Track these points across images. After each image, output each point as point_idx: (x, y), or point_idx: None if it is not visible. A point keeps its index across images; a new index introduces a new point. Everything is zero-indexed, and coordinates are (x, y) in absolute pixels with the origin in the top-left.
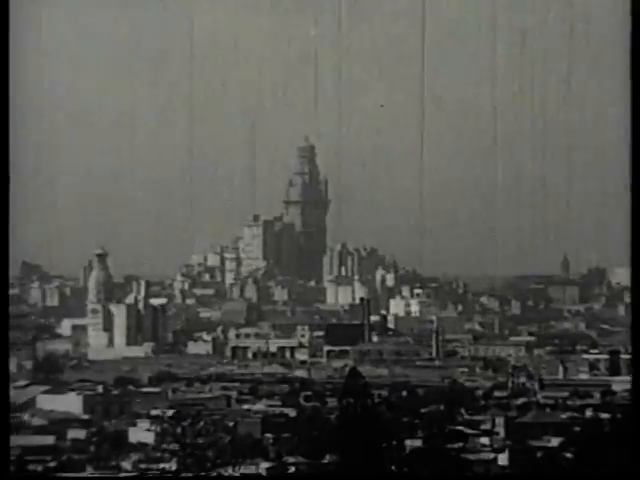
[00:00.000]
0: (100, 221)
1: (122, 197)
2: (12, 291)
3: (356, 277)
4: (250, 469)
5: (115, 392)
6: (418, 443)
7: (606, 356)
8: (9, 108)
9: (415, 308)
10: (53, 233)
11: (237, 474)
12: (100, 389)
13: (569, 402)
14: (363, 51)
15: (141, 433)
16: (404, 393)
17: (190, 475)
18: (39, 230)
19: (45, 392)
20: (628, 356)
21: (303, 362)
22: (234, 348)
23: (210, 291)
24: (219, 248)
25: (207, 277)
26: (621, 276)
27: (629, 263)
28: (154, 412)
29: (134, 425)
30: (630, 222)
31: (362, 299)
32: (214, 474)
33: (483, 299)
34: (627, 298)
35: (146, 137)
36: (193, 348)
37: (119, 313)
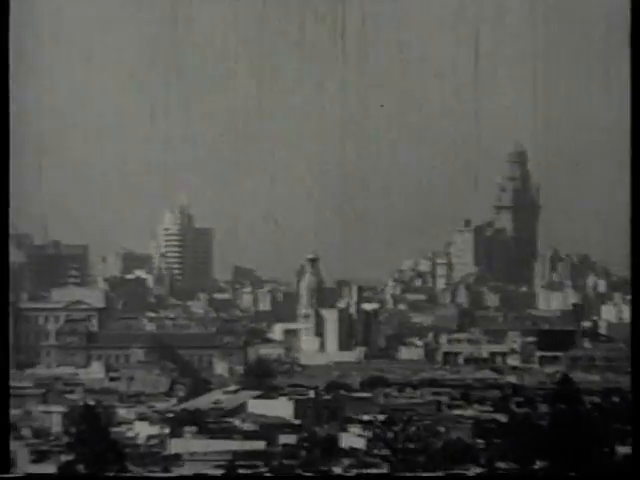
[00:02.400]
0: (311, 226)
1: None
2: (224, 295)
3: (568, 283)
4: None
5: (326, 397)
6: (628, 450)
7: None
8: (9, 108)
9: (627, 314)
10: (267, 237)
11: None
12: (311, 394)
13: None
14: None
15: (352, 438)
16: (616, 399)
17: (191, 475)
18: (251, 234)
19: (256, 397)
20: None
21: (514, 368)
22: (446, 353)
23: (422, 296)
24: (430, 253)
25: (419, 282)
26: None
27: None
28: (365, 417)
29: (345, 430)
30: (630, 222)
31: (575, 305)
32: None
33: None
34: None
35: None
36: (405, 353)
37: (331, 318)
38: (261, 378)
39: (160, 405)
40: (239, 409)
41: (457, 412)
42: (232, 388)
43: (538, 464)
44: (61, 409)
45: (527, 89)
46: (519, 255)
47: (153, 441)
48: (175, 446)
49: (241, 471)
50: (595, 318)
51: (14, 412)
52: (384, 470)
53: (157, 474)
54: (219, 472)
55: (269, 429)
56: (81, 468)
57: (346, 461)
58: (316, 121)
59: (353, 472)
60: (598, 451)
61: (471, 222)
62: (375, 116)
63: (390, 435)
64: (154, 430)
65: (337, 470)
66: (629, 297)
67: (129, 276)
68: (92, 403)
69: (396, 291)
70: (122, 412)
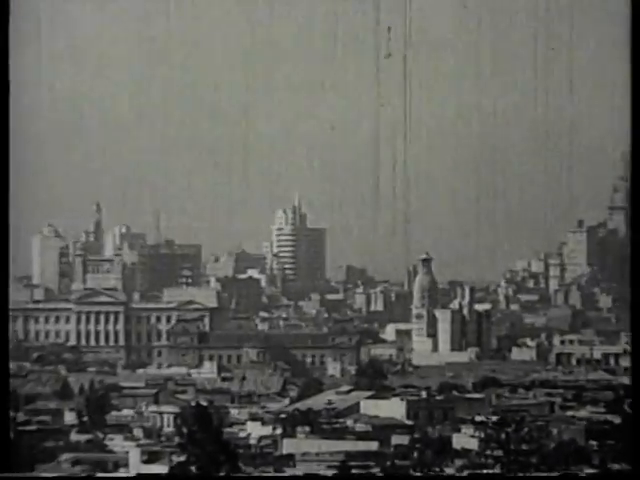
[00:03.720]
0: (424, 227)
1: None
2: (336, 296)
3: None
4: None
5: (439, 398)
6: None
7: None
8: (9, 108)
9: None
10: (376, 237)
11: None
12: (424, 395)
13: None
14: None
15: (465, 439)
16: None
17: (192, 475)
18: (361, 233)
19: (369, 397)
20: None
21: (627, 369)
22: (558, 354)
23: (534, 297)
24: (543, 254)
25: (531, 283)
26: None
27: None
28: (478, 418)
29: (458, 431)
30: (630, 222)
31: None
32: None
33: None
34: None
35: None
36: (517, 354)
37: (444, 318)
38: (373, 378)
39: (272, 405)
40: (351, 409)
41: (570, 413)
42: (344, 388)
43: None
44: (173, 409)
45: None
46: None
47: (265, 442)
48: (287, 446)
49: (354, 472)
50: None
51: (126, 412)
52: (496, 471)
53: (269, 474)
54: (331, 473)
55: (382, 430)
56: (193, 469)
57: (458, 462)
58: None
59: (465, 473)
60: None
61: (584, 223)
62: (501, 121)
63: (503, 436)
64: (266, 430)
65: (449, 471)
66: None
67: (242, 276)
68: (204, 403)
69: (508, 292)
70: (234, 412)
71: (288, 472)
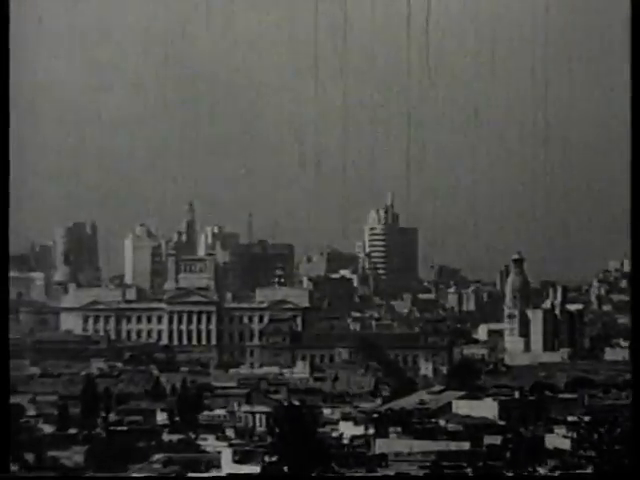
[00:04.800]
0: (515, 227)
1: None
2: (428, 295)
3: None
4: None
5: (531, 398)
6: None
7: None
8: (9, 107)
9: None
10: (472, 238)
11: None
12: (517, 395)
13: None
14: None
15: (558, 439)
16: None
17: (192, 475)
18: (456, 234)
19: (461, 397)
20: None
21: None
22: None
23: (627, 297)
24: None
25: (624, 283)
26: None
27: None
28: (571, 418)
29: (551, 431)
30: (630, 222)
31: None
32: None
33: None
34: None
35: None
36: (610, 354)
37: (536, 318)
38: (466, 378)
39: (365, 405)
40: (444, 409)
41: None
42: (437, 388)
43: None
44: (265, 409)
45: None
46: None
47: (358, 441)
48: (380, 446)
49: (446, 472)
50: None
51: (218, 412)
52: (589, 471)
53: (359, 474)
54: (422, 473)
55: (474, 430)
56: (285, 469)
57: (551, 462)
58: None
59: (557, 473)
60: None
61: None
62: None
63: (595, 437)
64: (359, 430)
65: (542, 471)
66: None
67: (334, 276)
68: (297, 403)
69: (601, 292)
70: (327, 412)
71: (380, 472)
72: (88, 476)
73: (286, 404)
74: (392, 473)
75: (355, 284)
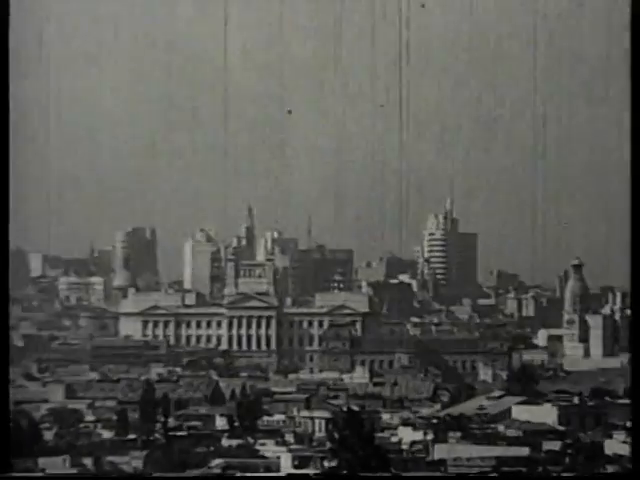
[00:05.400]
0: (574, 232)
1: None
2: (488, 301)
3: None
4: None
5: (591, 403)
6: None
7: None
8: (9, 107)
9: None
10: (528, 243)
11: None
12: (576, 400)
13: None
14: None
15: (617, 445)
16: None
17: (193, 475)
18: (513, 239)
19: (520, 403)
20: None
21: None
22: None
23: None
24: None
25: None
26: None
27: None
28: (630, 424)
29: (610, 437)
30: (630, 222)
31: None
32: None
33: None
34: None
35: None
36: None
37: (595, 324)
38: (525, 384)
39: (424, 410)
40: (503, 415)
41: None
42: (496, 394)
43: None
44: (325, 415)
45: None
46: None
47: (417, 447)
48: (439, 452)
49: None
50: None
51: (277, 417)
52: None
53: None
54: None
55: (533, 435)
56: (344, 474)
57: (610, 468)
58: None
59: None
60: None
61: None
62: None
63: None
64: (418, 435)
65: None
66: None
67: (393, 281)
68: (356, 408)
69: None
70: (386, 417)
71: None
72: (94, 476)
73: (345, 409)
74: None
75: (414, 289)
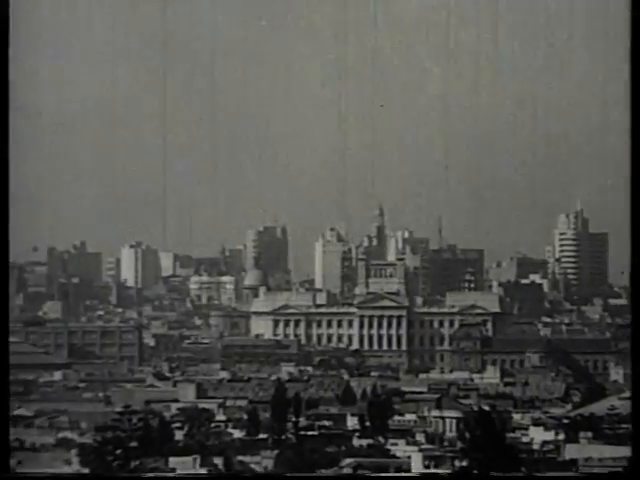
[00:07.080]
0: None
1: None
2: (619, 301)
3: None
4: None
5: None
6: None
7: None
8: (9, 107)
9: None
10: None
11: None
12: None
13: None
14: None
15: None
16: None
17: (193, 475)
18: None
19: None
20: None
21: None
22: None
23: None
24: None
25: None
26: None
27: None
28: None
29: None
30: (630, 223)
31: None
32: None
33: None
34: None
35: None
36: None
37: None
38: None
39: (555, 410)
40: None
41: None
42: (628, 394)
43: None
44: (456, 414)
45: None
46: None
47: (548, 447)
48: (570, 452)
49: None
50: None
51: (408, 417)
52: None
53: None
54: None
55: None
56: (475, 474)
57: None
58: None
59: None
60: None
61: None
62: None
63: None
64: (549, 436)
65: None
66: None
67: (524, 281)
68: (487, 408)
69: None
70: (517, 417)
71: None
72: (87, 475)
73: (476, 409)
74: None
75: (545, 289)
